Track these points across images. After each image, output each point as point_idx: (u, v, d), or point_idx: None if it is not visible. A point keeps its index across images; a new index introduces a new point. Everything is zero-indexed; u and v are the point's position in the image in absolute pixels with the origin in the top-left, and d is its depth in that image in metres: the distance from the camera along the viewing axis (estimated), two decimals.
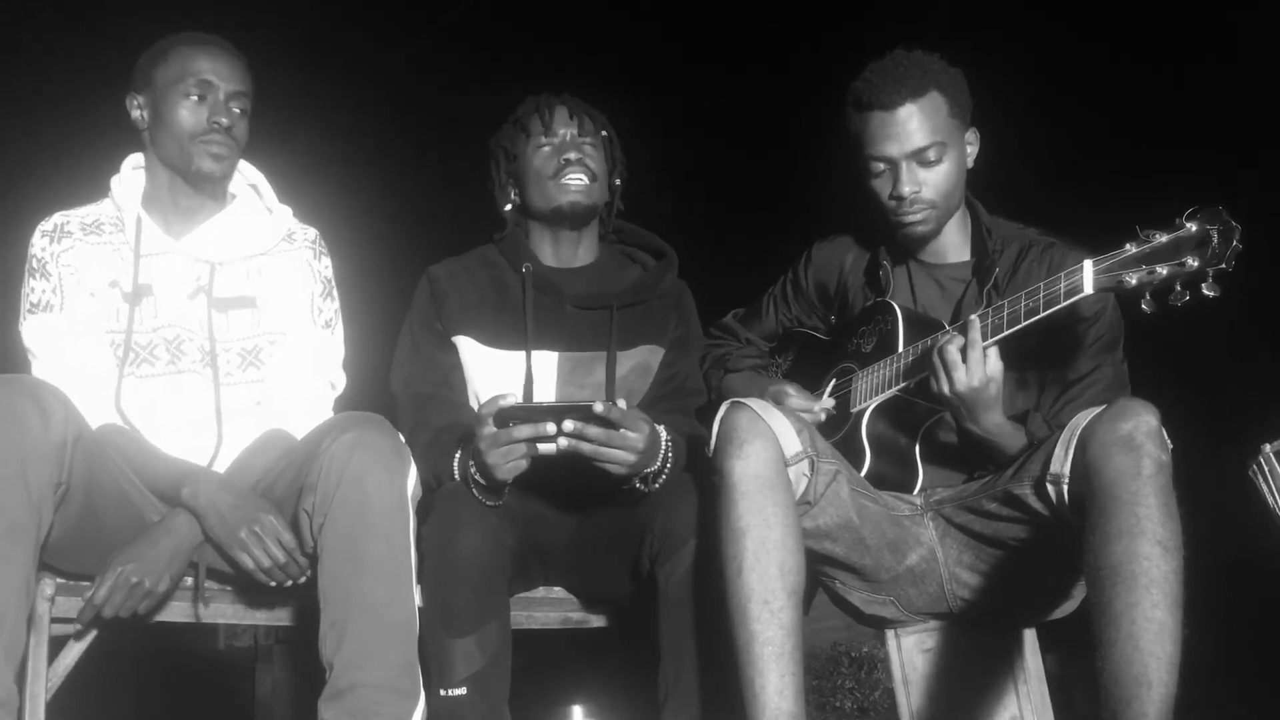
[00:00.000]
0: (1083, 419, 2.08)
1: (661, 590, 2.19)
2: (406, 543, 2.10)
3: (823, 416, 2.39)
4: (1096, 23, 4.18)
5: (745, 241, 4.38)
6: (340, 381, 2.45)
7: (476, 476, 2.21)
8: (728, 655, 2.03)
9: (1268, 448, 2.21)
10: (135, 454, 2.20)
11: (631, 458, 2.18)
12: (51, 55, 4.75)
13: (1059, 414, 2.28)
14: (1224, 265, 1.98)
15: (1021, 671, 2.38)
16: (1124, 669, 1.86)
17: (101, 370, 2.28)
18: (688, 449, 2.36)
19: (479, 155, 2.64)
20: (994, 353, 2.17)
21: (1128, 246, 2.07)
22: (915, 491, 2.36)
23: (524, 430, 2.14)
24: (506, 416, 2.15)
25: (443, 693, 2.12)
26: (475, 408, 2.44)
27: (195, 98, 2.32)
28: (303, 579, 2.15)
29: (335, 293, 2.48)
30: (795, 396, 2.41)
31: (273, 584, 2.15)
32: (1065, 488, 2.08)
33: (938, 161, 2.35)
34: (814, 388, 2.53)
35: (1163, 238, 2.04)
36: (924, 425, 2.36)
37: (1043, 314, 2.12)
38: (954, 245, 2.46)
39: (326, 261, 2.48)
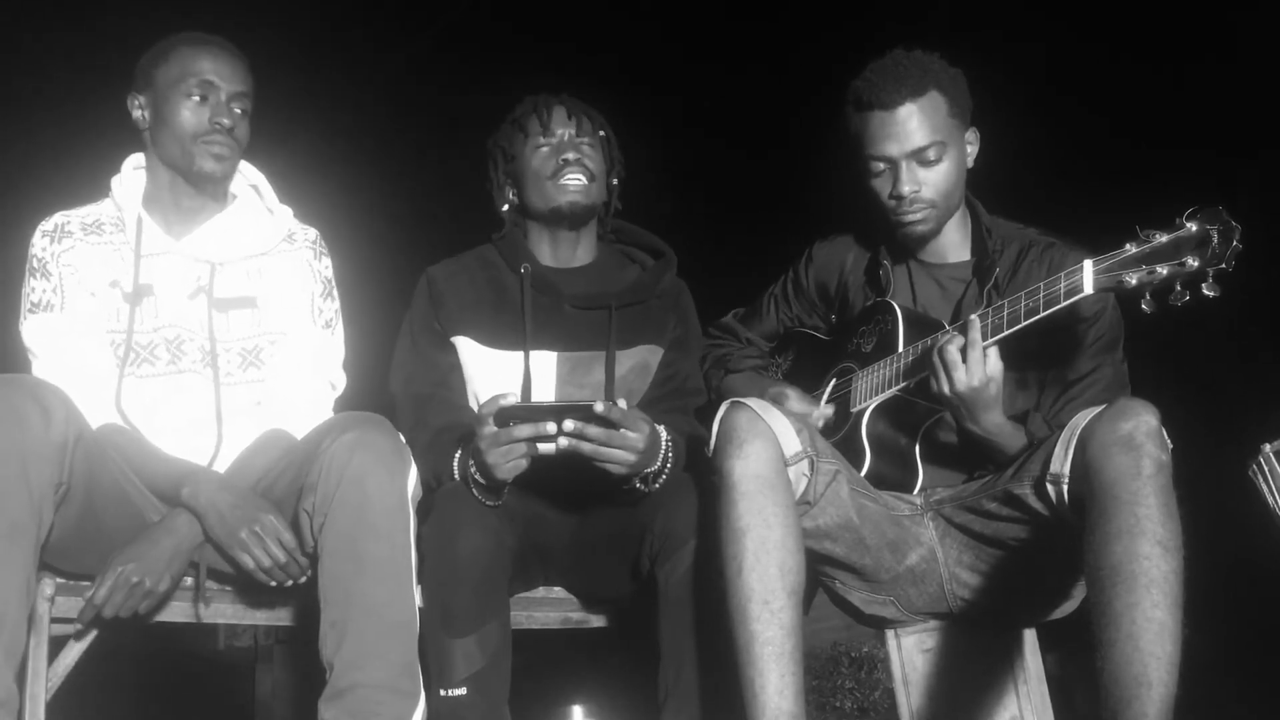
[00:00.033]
0: (1083, 419, 2.08)
1: (661, 590, 2.19)
2: (407, 543, 2.10)
3: (820, 423, 2.39)
4: (1096, 23, 4.18)
5: (745, 241, 4.38)
6: (340, 382, 2.45)
7: (476, 476, 2.21)
8: (728, 655, 2.03)
9: (1268, 448, 2.22)
10: (135, 454, 2.20)
11: (632, 458, 2.18)
12: (51, 55, 4.75)
13: (1059, 414, 2.28)
14: (1224, 265, 1.98)
15: (1021, 671, 2.38)
16: (1124, 669, 1.86)
17: (102, 370, 2.28)
18: (687, 449, 2.36)
19: (479, 155, 2.65)
20: (994, 353, 2.17)
21: (1128, 246, 2.07)
22: (915, 491, 2.36)
23: (524, 430, 2.14)
24: (507, 416, 2.15)
25: (443, 693, 2.12)
26: (474, 408, 2.44)
27: (197, 98, 2.32)
28: (303, 579, 2.15)
29: (335, 293, 2.48)
30: (795, 400, 2.42)
31: (273, 584, 2.15)
32: (1065, 487, 2.08)
33: (937, 161, 2.35)
34: (814, 387, 2.53)
35: (1163, 238, 2.04)
36: (924, 425, 2.36)
37: (1043, 314, 2.12)
38: (954, 245, 2.46)
39: (327, 262, 2.49)
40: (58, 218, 2.36)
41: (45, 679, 2.10)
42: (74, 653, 2.17)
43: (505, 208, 2.60)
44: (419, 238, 4.26)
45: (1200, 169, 3.65)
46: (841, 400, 2.44)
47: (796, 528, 2.09)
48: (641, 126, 2.88)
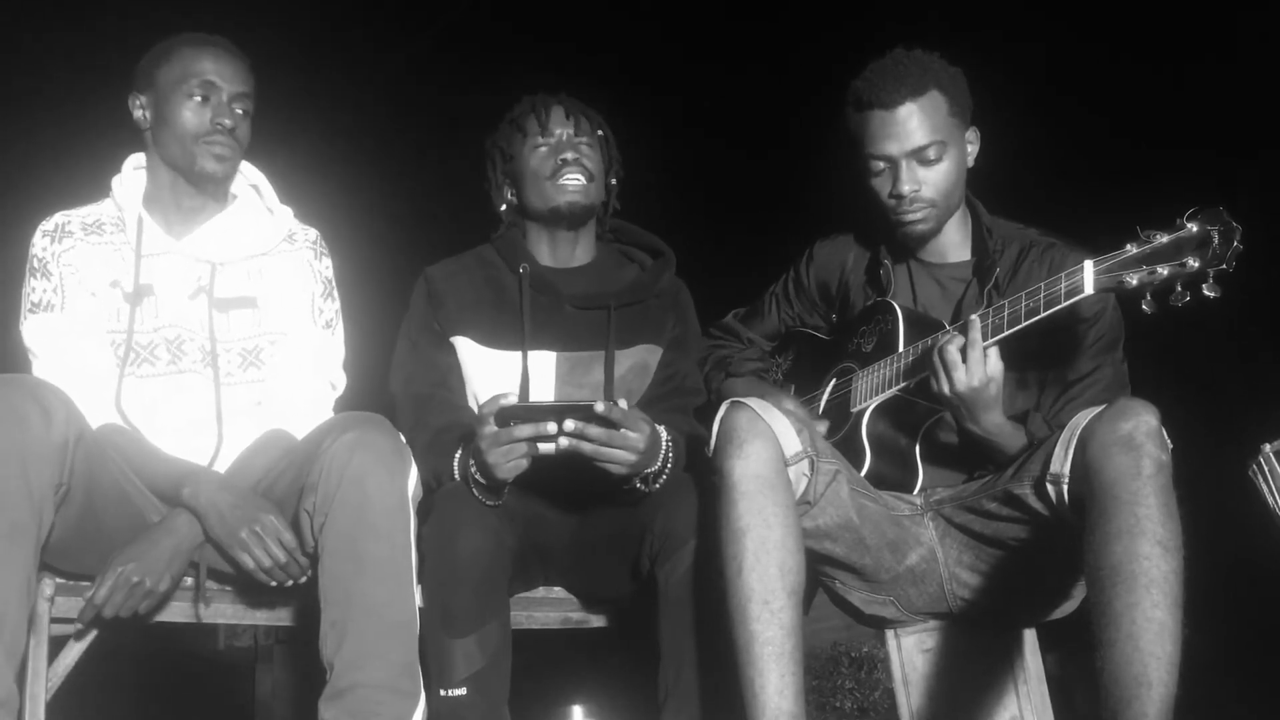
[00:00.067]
0: (1083, 419, 2.08)
1: (661, 590, 2.19)
2: (407, 543, 2.10)
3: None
4: (1096, 23, 4.18)
5: (745, 241, 4.38)
6: (340, 382, 2.45)
7: (477, 476, 2.21)
8: (728, 655, 2.03)
9: (1268, 448, 2.21)
10: (135, 454, 2.20)
11: (632, 458, 2.18)
12: (51, 55, 4.75)
13: (1059, 414, 2.28)
14: (1225, 266, 1.98)
15: (1021, 671, 2.38)
16: (1124, 669, 1.86)
17: (102, 370, 2.28)
18: (687, 449, 2.36)
19: (478, 155, 2.64)
20: (994, 353, 2.17)
21: (1128, 247, 2.07)
22: (915, 491, 2.36)
23: (525, 430, 2.14)
24: (507, 416, 2.15)
25: (443, 693, 2.12)
26: (474, 408, 2.44)
27: (199, 98, 2.32)
28: (303, 579, 2.15)
29: (336, 293, 2.48)
30: (793, 410, 2.41)
31: (273, 584, 2.15)
32: (1065, 488, 2.08)
33: (937, 160, 2.35)
34: (814, 387, 2.54)
35: (1163, 238, 2.04)
36: (924, 425, 2.36)
37: (1043, 314, 2.12)
38: (954, 245, 2.46)
39: (327, 262, 2.49)
40: (58, 217, 2.36)
41: (45, 679, 2.10)
42: (74, 653, 2.17)
43: (503, 208, 2.60)
44: (419, 238, 4.26)
45: (1200, 169, 3.65)
46: (842, 400, 2.44)
47: (796, 528, 2.09)
48: (641, 126, 2.88)
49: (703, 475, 2.21)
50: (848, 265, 2.59)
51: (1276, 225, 2.72)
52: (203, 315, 2.34)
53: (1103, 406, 2.08)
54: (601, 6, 5.08)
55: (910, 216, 2.37)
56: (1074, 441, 2.06)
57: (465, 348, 2.49)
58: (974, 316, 2.18)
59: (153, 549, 2.10)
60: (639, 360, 2.52)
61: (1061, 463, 2.08)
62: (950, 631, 2.42)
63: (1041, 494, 2.13)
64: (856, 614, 2.44)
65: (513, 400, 2.16)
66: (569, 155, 2.50)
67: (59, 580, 2.16)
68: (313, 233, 2.50)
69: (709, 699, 2.14)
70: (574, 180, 2.50)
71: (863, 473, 2.31)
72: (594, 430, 2.15)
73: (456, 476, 2.28)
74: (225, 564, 2.17)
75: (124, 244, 2.35)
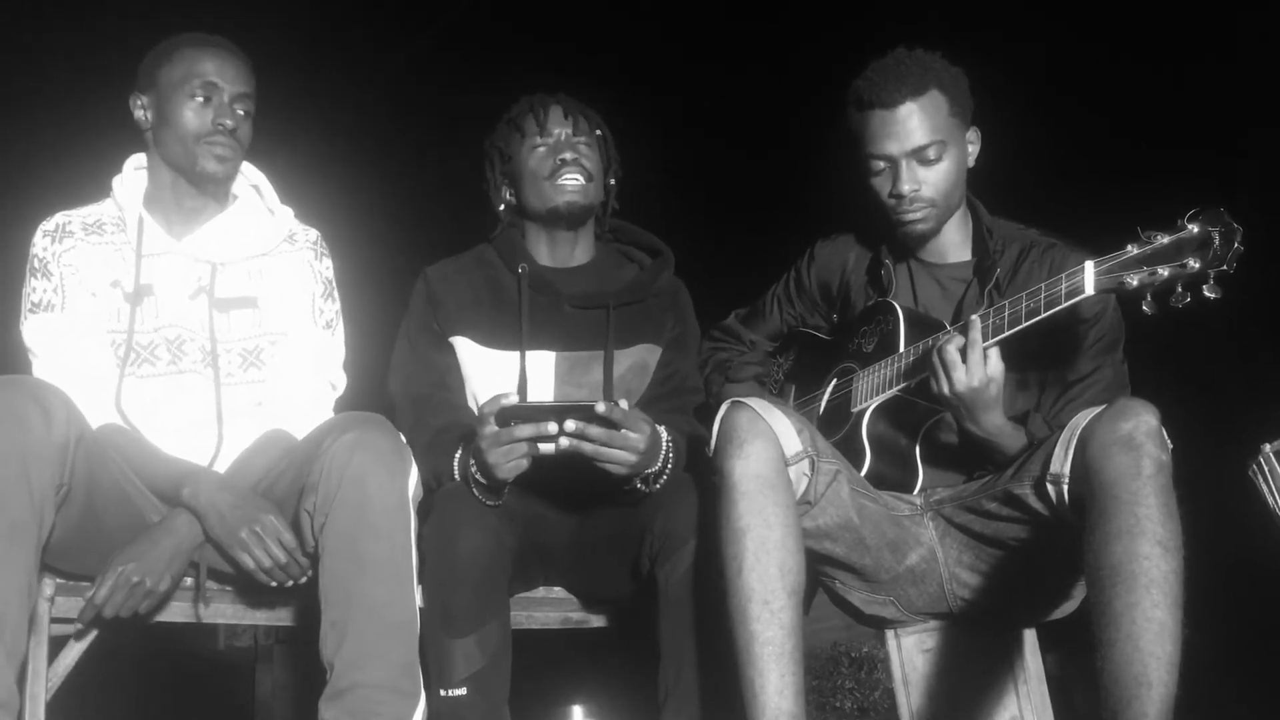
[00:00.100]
0: (1083, 419, 2.08)
1: (661, 590, 2.19)
2: (407, 543, 2.10)
3: None
4: (1096, 23, 4.18)
5: (745, 241, 4.38)
6: (341, 382, 2.45)
7: (477, 476, 2.21)
8: (728, 655, 2.03)
9: (1268, 448, 2.21)
10: (135, 454, 2.20)
11: (633, 458, 2.18)
12: (51, 55, 4.75)
13: (1059, 414, 2.28)
14: (1225, 267, 1.98)
15: (1021, 671, 2.38)
16: (1124, 669, 1.86)
17: (102, 370, 2.28)
18: (688, 449, 2.36)
19: (478, 155, 2.64)
20: (995, 353, 2.17)
21: (1129, 248, 2.07)
22: (915, 492, 2.36)
23: (525, 430, 2.14)
24: (508, 416, 2.15)
25: (443, 693, 2.12)
26: (473, 408, 2.44)
27: (200, 99, 2.32)
28: (303, 579, 2.15)
29: (336, 293, 2.48)
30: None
31: (273, 584, 2.15)
32: (1065, 488, 2.08)
33: (938, 160, 2.35)
34: (815, 387, 2.54)
35: (1164, 239, 2.04)
36: (924, 426, 2.36)
37: (1044, 315, 2.12)
38: (954, 245, 2.46)
39: (328, 262, 2.49)
40: (59, 218, 2.37)
41: (45, 679, 2.10)
42: (74, 653, 2.18)
43: (501, 208, 2.60)
44: (419, 238, 4.26)
45: (1200, 169, 3.65)
46: (842, 400, 2.44)
47: (797, 528, 2.09)
48: (641, 126, 2.88)
49: (703, 475, 2.21)
50: (849, 265, 2.59)
51: (1276, 225, 2.72)
52: (203, 315, 2.34)
53: (1103, 406, 2.08)
54: (601, 6, 5.08)
55: (910, 216, 2.37)
56: (1074, 441, 2.06)
57: (464, 348, 2.49)
58: (974, 317, 2.18)
59: (153, 549, 2.11)
60: (638, 360, 2.52)
61: (1061, 463, 2.08)
62: (950, 631, 2.42)
63: (1041, 494, 2.13)
64: (856, 614, 2.44)
65: (514, 400, 2.16)
66: (567, 155, 2.50)
67: (59, 580, 2.16)
68: (313, 233, 2.50)
69: (709, 699, 2.14)
70: (573, 180, 2.50)
71: (863, 473, 2.31)
72: (595, 430, 2.15)
73: (456, 476, 2.28)
74: (225, 564, 2.17)
75: (124, 244, 2.35)
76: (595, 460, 2.18)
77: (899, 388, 2.32)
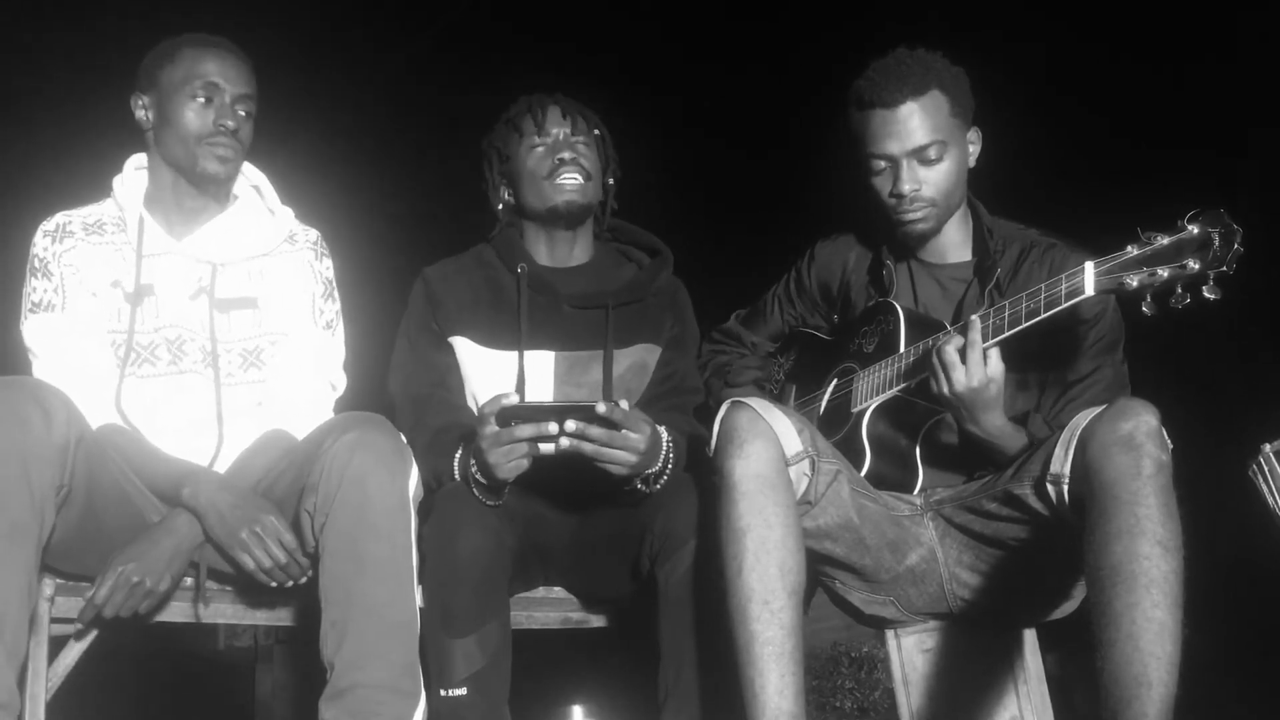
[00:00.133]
0: (1083, 419, 2.08)
1: (661, 590, 2.19)
2: (408, 543, 2.10)
3: None
4: (1096, 23, 4.18)
5: (745, 241, 4.38)
6: (341, 383, 2.45)
7: (477, 476, 2.21)
8: (728, 655, 2.03)
9: (1268, 448, 2.21)
10: (135, 454, 2.20)
11: (633, 458, 2.18)
12: (51, 55, 4.75)
13: (1059, 414, 2.28)
14: (1225, 268, 1.98)
15: (1021, 671, 2.38)
16: (1124, 669, 1.86)
17: (102, 370, 2.28)
18: (688, 449, 2.36)
19: (478, 155, 2.64)
20: (995, 354, 2.17)
21: (1129, 248, 2.07)
22: (915, 492, 2.36)
23: (526, 430, 2.14)
24: (509, 416, 2.15)
25: (443, 693, 2.12)
26: (473, 408, 2.44)
27: (202, 100, 2.32)
28: (304, 580, 2.15)
29: (336, 294, 2.48)
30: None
31: (273, 584, 2.15)
32: (1065, 488, 2.08)
33: (938, 160, 2.35)
34: (816, 387, 2.54)
35: (1164, 240, 2.04)
36: (925, 426, 2.36)
37: (1043, 315, 2.12)
38: (954, 245, 2.46)
39: (328, 263, 2.49)
40: (59, 217, 2.37)
41: (45, 679, 2.10)
42: (74, 653, 2.18)
43: (500, 207, 2.60)
44: (419, 238, 4.26)
45: (1200, 169, 3.65)
46: (842, 400, 2.44)
47: (797, 527, 2.09)
48: (641, 126, 2.88)
49: (703, 475, 2.21)
50: (849, 265, 2.59)
51: (1276, 225, 2.72)
52: (203, 316, 2.34)
53: (1103, 407, 2.08)
54: (601, 6, 5.08)
55: (910, 216, 2.37)
56: (1074, 442, 2.06)
57: (464, 348, 2.49)
58: (974, 317, 2.18)
59: (153, 549, 2.11)
60: (637, 360, 2.52)
61: (1061, 463, 2.08)
62: (950, 631, 2.42)
63: (1041, 494, 2.13)
64: (856, 614, 2.44)
65: (514, 400, 2.16)
66: (566, 155, 2.50)
67: (59, 580, 2.16)
68: (313, 233, 2.50)
69: (709, 699, 2.14)
70: (571, 180, 2.50)
71: (863, 473, 2.31)
72: (595, 431, 2.15)
73: (457, 476, 2.28)
74: (225, 564, 2.17)
75: (125, 244, 2.35)
76: (595, 460, 2.18)
77: (899, 388, 2.32)
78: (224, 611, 2.29)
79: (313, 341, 2.41)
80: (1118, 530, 1.93)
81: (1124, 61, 4.15)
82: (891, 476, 2.35)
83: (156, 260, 2.35)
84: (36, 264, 2.32)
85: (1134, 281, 2.05)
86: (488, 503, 2.23)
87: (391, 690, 2.03)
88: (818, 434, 2.23)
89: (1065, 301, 2.10)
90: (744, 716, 2.00)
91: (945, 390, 2.18)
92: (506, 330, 2.49)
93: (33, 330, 2.29)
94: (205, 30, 2.41)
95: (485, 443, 2.16)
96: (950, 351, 2.17)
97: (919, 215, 2.37)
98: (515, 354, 2.47)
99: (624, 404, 2.16)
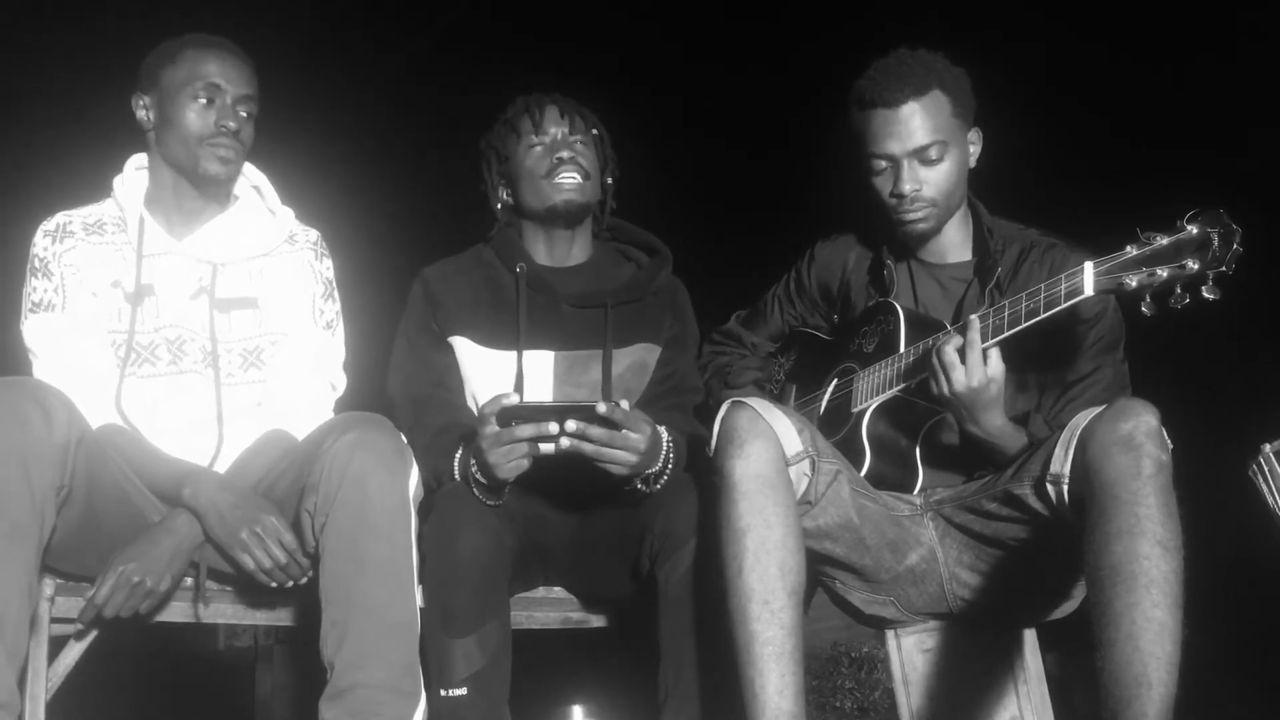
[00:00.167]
0: (1083, 419, 2.08)
1: (661, 590, 2.19)
2: (408, 543, 2.10)
3: None
4: (1096, 23, 4.18)
5: (745, 241, 4.38)
6: (341, 383, 2.45)
7: (478, 475, 2.21)
8: (728, 655, 2.03)
9: (1268, 448, 2.21)
10: (135, 454, 2.20)
11: (633, 458, 2.18)
12: (51, 55, 4.74)
13: (1059, 415, 2.29)
14: (1224, 268, 1.98)
15: (1021, 671, 2.38)
16: (1124, 669, 1.86)
17: (103, 370, 2.28)
18: (688, 449, 2.36)
19: (478, 156, 2.64)
20: (995, 354, 2.17)
21: (1128, 249, 2.07)
22: (915, 492, 2.36)
23: (526, 430, 2.14)
24: (509, 416, 2.15)
25: (443, 693, 2.12)
26: (473, 408, 2.44)
27: (204, 101, 2.32)
28: (304, 580, 2.15)
29: (336, 294, 2.48)
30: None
31: (274, 585, 2.15)
32: (1065, 488, 2.08)
33: (939, 160, 2.35)
34: (816, 387, 2.54)
35: (1163, 240, 2.04)
36: (925, 426, 2.36)
37: (1043, 315, 2.12)
38: (955, 245, 2.46)
39: (328, 263, 2.49)
40: (59, 217, 2.37)
41: (45, 679, 2.10)
42: (74, 653, 2.18)
43: (499, 208, 2.60)
44: (419, 238, 4.25)
45: (1200, 169, 3.65)
46: (843, 400, 2.44)
47: (797, 527, 2.09)
48: (642, 126, 2.88)
49: (703, 475, 2.21)
50: (849, 265, 2.59)
51: (1276, 225, 2.72)
52: (204, 316, 2.34)
53: (1103, 407, 2.08)
54: (601, 6, 5.08)
55: (911, 216, 2.37)
56: (1074, 442, 2.06)
57: (463, 348, 2.49)
58: (973, 317, 2.18)
59: (153, 549, 2.11)
60: (637, 359, 2.52)
61: (1061, 463, 2.08)
62: (950, 631, 2.42)
63: (1041, 494, 2.13)
64: (856, 614, 2.44)
65: (515, 400, 2.16)
66: (564, 154, 2.50)
67: (59, 580, 2.16)
68: (314, 234, 2.50)
69: (709, 699, 2.14)
70: (570, 179, 2.50)
71: (862, 473, 2.31)
72: (595, 431, 2.15)
73: (457, 476, 2.28)
74: (225, 564, 2.17)
75: (125, 244, 2.35)
76: (596, 460, 2.18)
77: (899, 388, 2.32)
78: (224, 611, 2.29)
79: (313, 342, 2.41)
80: (1118, 530, 1.93)
81: (1124, 61, 4.15)
82: (891, 476, 2.35)
83: (157, 260, 2.35)
84: (37, 264, 2.32)
85: (1133, 281, 2.05)
86: (488, 503, 2.23)
87: (391, 690, 2.03)
88: (818, 434, 2.23)
89: (1065, 301, 2.10)
90: (744, 716, 2.00)
91: (945, 390, 2.18)
92: (506, 330, 2.49)
93: (33, 330, 2.30)
94: (205, 30, 2.41)
95: (485, 443, 2.16)
96: (950, 351, 2.17)
97: (920, 215, 2.38)
98: (514, 354, 2.47)
99: (624, 404, 2.16)
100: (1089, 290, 2.08)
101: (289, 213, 2.49)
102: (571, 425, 2.14)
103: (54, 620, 2.14)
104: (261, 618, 2.33)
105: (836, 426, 2.41)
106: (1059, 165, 4.09)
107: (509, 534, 2.25)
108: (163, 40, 2.39)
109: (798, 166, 4.43)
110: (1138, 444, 1.97)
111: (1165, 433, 2.01)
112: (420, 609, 2.12)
